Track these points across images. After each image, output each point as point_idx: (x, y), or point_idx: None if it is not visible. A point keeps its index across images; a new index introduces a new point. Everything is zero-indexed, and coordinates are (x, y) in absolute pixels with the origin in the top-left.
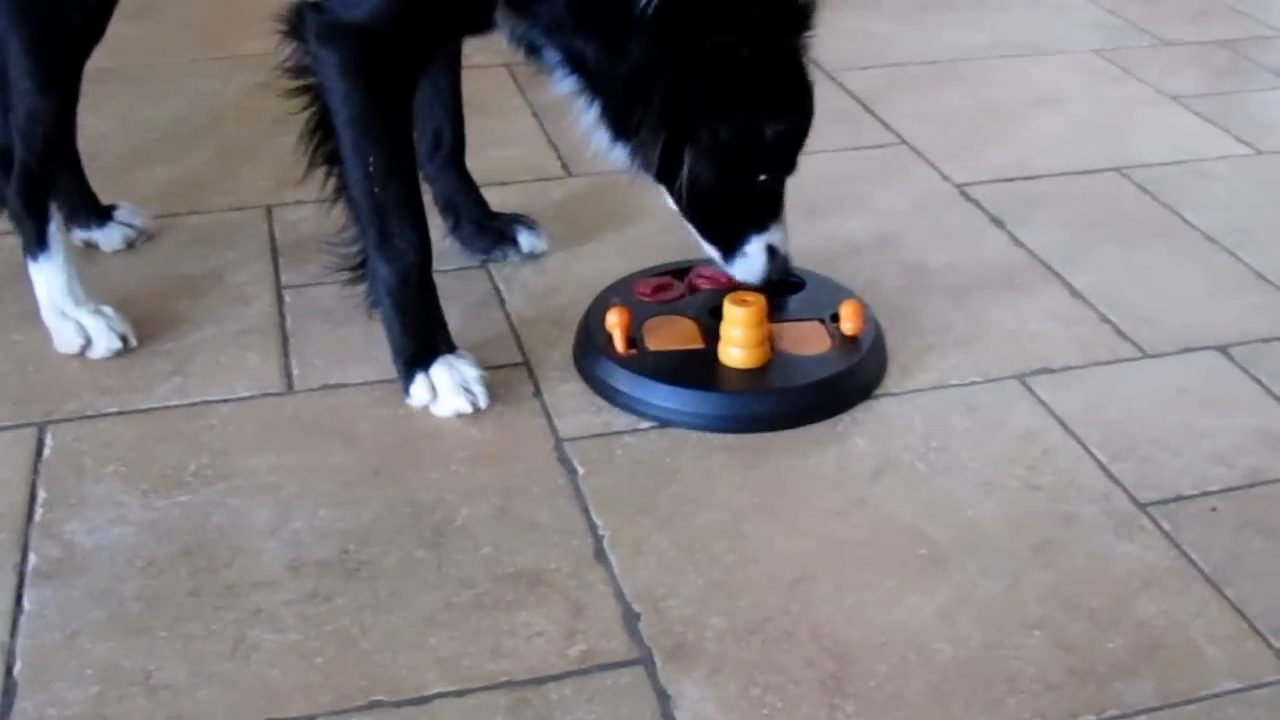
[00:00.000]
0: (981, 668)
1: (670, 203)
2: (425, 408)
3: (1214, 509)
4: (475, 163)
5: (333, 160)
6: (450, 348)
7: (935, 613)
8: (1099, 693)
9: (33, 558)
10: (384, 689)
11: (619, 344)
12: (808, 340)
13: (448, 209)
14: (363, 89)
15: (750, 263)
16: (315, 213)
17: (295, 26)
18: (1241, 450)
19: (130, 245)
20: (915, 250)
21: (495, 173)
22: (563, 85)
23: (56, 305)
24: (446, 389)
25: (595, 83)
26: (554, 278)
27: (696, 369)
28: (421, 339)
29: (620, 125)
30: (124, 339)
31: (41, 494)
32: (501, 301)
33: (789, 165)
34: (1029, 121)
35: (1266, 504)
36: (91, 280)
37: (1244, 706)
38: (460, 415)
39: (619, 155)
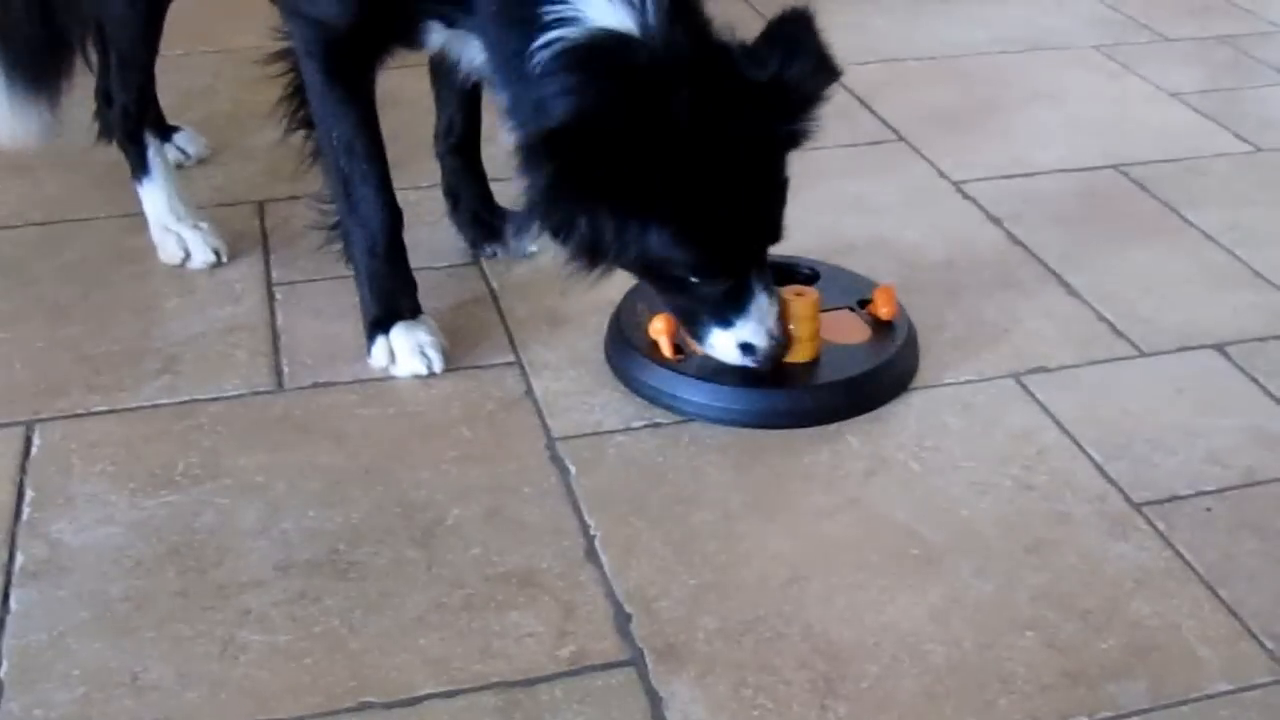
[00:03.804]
0: (974, 669)
1: None
2: (385, 369)
3: (1209, 509)
4: None
5: (308, 125)
6: (414, 312)
7: (928, 613)
8: (1091, 694)
9: (20, 557)
10: (373, 690)
11: (666, 350)
12: (848, 329)
13: (449, 193)
14: (322, 71)
15: (722, 355)
16: (307, 209)
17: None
18: (1237, 450)
19: (179, 167)
20: (911, 247)
21: (489, 170)
22: (507, 129)
23: (160, 221)
24: (403, 352)
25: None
26: (547, 276)
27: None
28: (385, 303)
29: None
30: (217, 252)
31: (29, 493)
32: (495, 299)
33: (728, 271)
34: (1027, 118)
35: (1262, 504)
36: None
37: (1237, 708)
38: (417, 377)
39: None
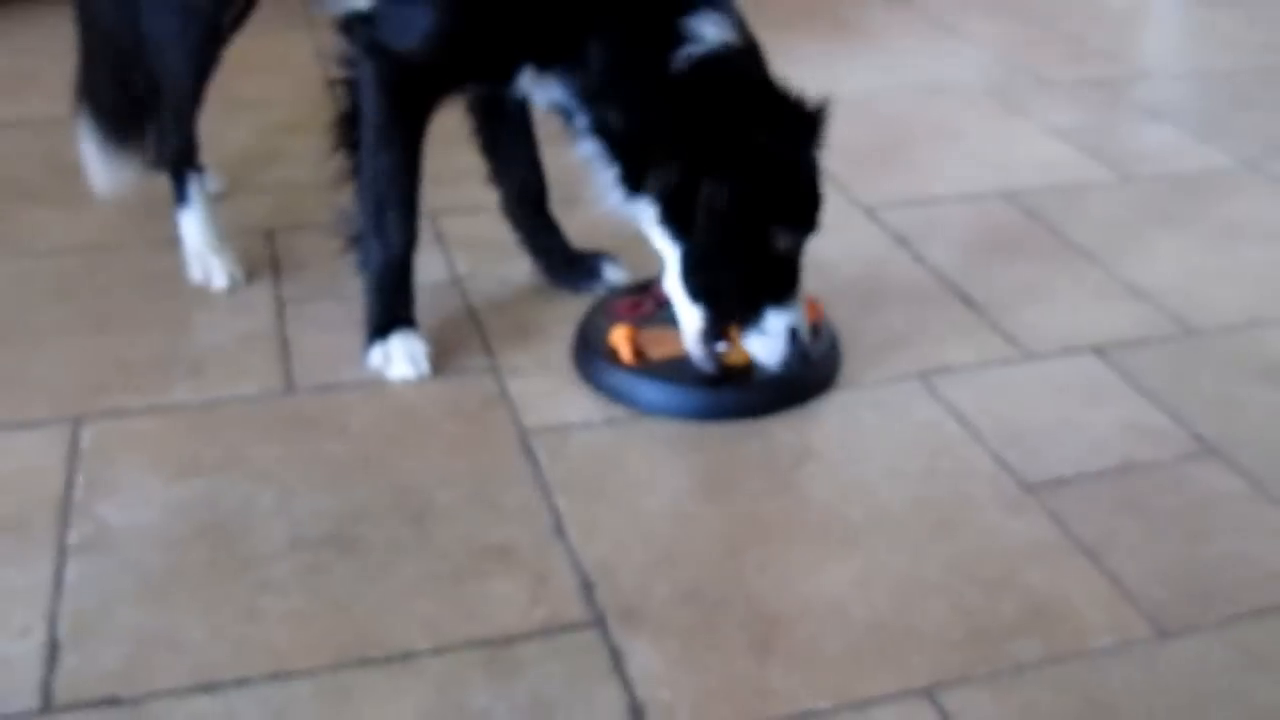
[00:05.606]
0: (891, 629)
1: (671, 280)
2: (379, 370)
3: (1091, 490)
4: (453, 193)
5: (353, 146)
6: (410, 323)
7: (850, 582)
8: (993, 651)
9: (72, 535)
10: (374, 648)
11: (627, 356)
12: None
13: (537, 252)
14: (389, 104)
15: (770, 343)
16: (311, 237)
17: (348, 30)
18: (1114, 439)
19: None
20: (829, 266)
21: (465, 201)
22: (585, 149)
23: (195, 244)
24: (398, 358)
25: (617, 145)
26: (519, 293)
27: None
28: (389, 312)
29: (637, 180)
30: (233, 279)
31: (79, 480)
32: (473, 313)
33: (808, 222)
34: (928, 153)
35: (1136, 486)
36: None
37: (1118, 661)
38: (407, 380)
39: (632, 212)
